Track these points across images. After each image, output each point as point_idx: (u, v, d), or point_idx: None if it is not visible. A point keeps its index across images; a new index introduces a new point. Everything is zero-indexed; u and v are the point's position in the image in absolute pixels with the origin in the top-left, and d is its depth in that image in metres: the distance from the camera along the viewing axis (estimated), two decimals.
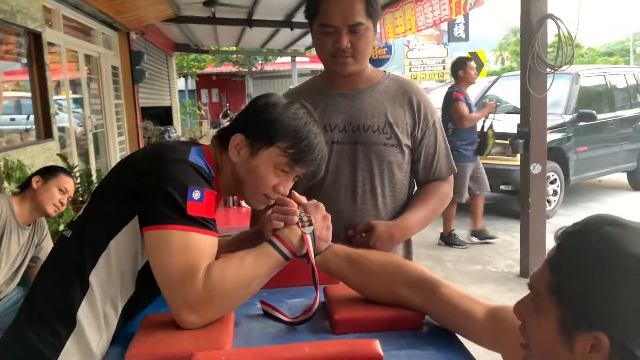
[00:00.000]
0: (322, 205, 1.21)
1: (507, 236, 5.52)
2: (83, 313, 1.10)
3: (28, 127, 4.84)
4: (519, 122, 4.29)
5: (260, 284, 1.13)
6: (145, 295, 1.21)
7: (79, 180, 4.02)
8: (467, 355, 1.06)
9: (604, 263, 0.71)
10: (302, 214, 1.17)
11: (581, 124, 6.36)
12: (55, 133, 4.77)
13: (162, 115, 10.08)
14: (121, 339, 1.15)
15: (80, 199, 3.95)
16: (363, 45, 1.57)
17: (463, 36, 11.07)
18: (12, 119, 5.50)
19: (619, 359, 0.70)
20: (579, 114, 6.34)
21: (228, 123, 1.47)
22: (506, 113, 6.35)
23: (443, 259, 4.98)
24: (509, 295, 3.98)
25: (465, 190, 5.09)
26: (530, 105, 4.12)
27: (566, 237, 0.78)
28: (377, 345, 0.92)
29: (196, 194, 1.10)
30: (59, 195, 2.38)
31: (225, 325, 1.10)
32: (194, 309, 1.06)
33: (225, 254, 1.21)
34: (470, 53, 10.57)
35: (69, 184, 2.46)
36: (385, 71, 1.75)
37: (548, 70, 4.10)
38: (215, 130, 1.71)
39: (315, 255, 1.17)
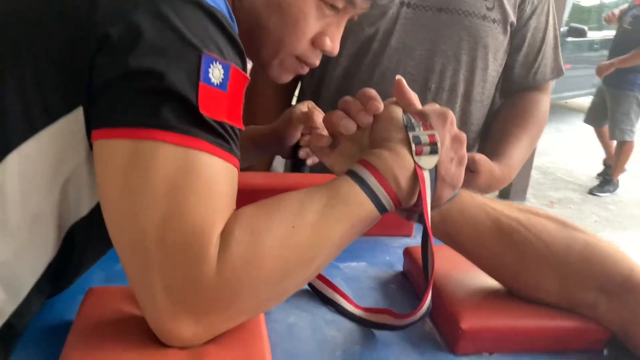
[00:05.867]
0: (451, 115, 0.61)
1: None
2: None
3: None
4: None
5: (329, 259, 0.55)
6: (83, 256, 0.62)
7: None
8: None
9: None
10: (417, 125, 0.58)
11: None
12: None
13: None
14: (39, 330, 0.58)
15: None
16: None
17: None
18: None
19: None
20: (569, 28, 5.84)
21: None
22: None
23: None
24: None
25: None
26: None
27: None
28: None
29: (216, 72, 0.50)
30: None
31: (255, 333, 0.54)
32: (195, 311, 0.49)
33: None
34: None
35: None
36: None
37: None
38: None
39: (431, 210, 0.60)
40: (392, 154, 0.57)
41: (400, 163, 0.56)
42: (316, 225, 0.52)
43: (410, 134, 0.57)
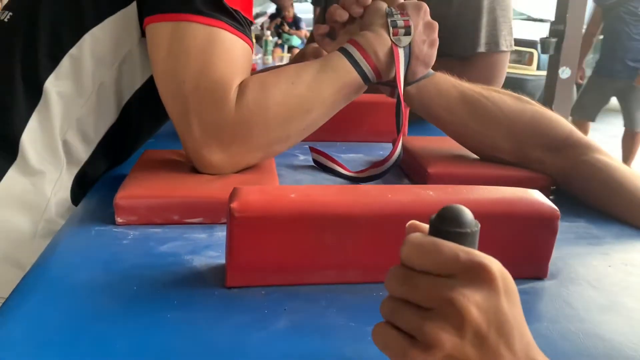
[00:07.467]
0: (425, 7, 0.78)
1: None
2: (30, 138, 0.71)
3: None
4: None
5: (324, 115, 0.73)
6: (139, 126, 0.82)
7: None
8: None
9: None
10: (396, 14, 0.76)
11: None
12: None
13: None
14: (107, 180, 0.78)
15: None
16: None
17: None
18: None
19: None
20: None
21: None
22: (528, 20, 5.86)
23: None
24: None
25: None
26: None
27: None
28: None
29: None
30: None
31: (267, 166, 0.73)
32: (221, 141, 0.68)
33: None
34: None
35: None
36: None
37: None
38: None
39: (406, 84, 0.77)
40: (374, 34, 0.74)
41: (379, 41, 0.74)
42: (311, 83, 0.71)
43: (389, 20, 0.75)
